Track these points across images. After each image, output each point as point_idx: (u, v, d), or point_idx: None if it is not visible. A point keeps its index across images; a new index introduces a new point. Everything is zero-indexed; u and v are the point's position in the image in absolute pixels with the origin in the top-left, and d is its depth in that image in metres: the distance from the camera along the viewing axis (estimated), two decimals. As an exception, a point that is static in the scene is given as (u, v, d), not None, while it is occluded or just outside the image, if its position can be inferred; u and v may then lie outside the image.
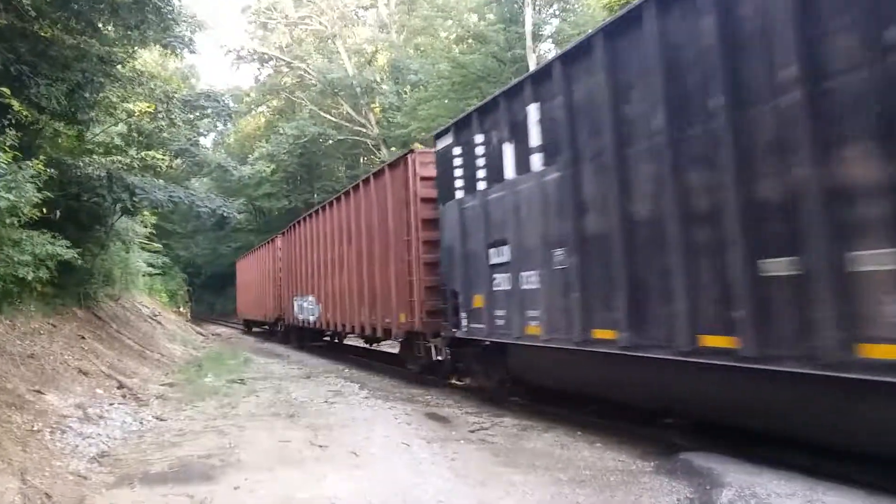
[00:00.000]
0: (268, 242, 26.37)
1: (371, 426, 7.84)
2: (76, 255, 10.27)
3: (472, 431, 7.64)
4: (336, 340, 19.70)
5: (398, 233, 11.45)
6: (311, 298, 18.05)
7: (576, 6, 27.93)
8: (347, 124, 38.76)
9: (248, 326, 32.77)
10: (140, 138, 16.40)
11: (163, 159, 16.29)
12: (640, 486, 5.40)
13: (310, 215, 18.58)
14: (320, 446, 6.87)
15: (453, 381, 11.75)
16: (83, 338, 12.20)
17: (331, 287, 15.92)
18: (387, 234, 12.03)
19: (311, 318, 18.08)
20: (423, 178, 10.85)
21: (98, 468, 6.21)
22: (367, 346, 17.15)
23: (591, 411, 8.20)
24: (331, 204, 16.27)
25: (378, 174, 12.86)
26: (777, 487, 4.98)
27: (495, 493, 5.29)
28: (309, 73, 39.76)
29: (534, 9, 26.01)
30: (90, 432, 7.38)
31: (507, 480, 5.59)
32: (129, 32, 12.14)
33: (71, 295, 13.82)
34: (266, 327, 28.66)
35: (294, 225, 20.98)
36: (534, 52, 24.86)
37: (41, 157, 8.22)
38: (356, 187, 14.13)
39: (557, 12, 28.97)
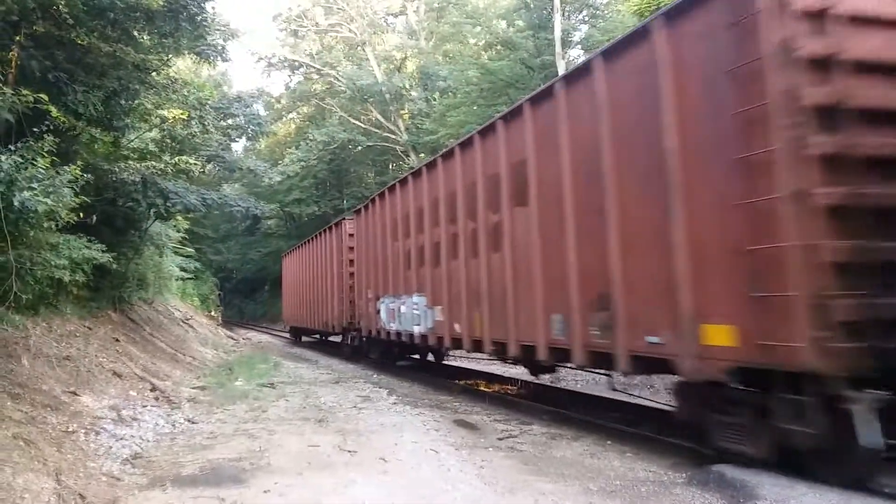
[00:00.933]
0: (327, 230, 20.60)
1: (399, 432, 7.84)
2: (111, 259, 10.46)
3: (501, 439, 7.59)
4: (429, 359, 16.02)
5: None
6: (416, 300, 12.29)
7: (605, 12, 27.76)
8: (377, 130, 38.98)
9: (297, 336, 28.24)
10: (173, 144, 16.67)
11: (196, 164, 16.52)
12: (671, 497, 5.31)
13: (415, 174, 12.63)
14: (349, 451, 6.88)
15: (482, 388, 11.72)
16: (117, 340, 12.40)
17: (464, 279, 10.11)
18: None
19: (417, 329, 12.27)
20: None
21: (131, 469, 6.29)
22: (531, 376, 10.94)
23: (620, 419, 8.11)
24: (465, 145, 10.33)
25: None
26: (811, 501, 4.87)
27: (524, 502, 5.24)
28: (338, 80, 40.08)
29: (563, 15, 25.91)
30: (123, 434, 7.49)
31: (537, 489, 5.54)
32: (163, 40, 12.33)
33: (106, 298, 14.07)
34: (318, 336, 25.24)
35: (378, 197, 15.05)
36: (563, 58, 24.75)
37: (78, 163, 8.35)
38: (556, 85, 7.89)
39: (587, 18, 28.82)
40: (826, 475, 5.13)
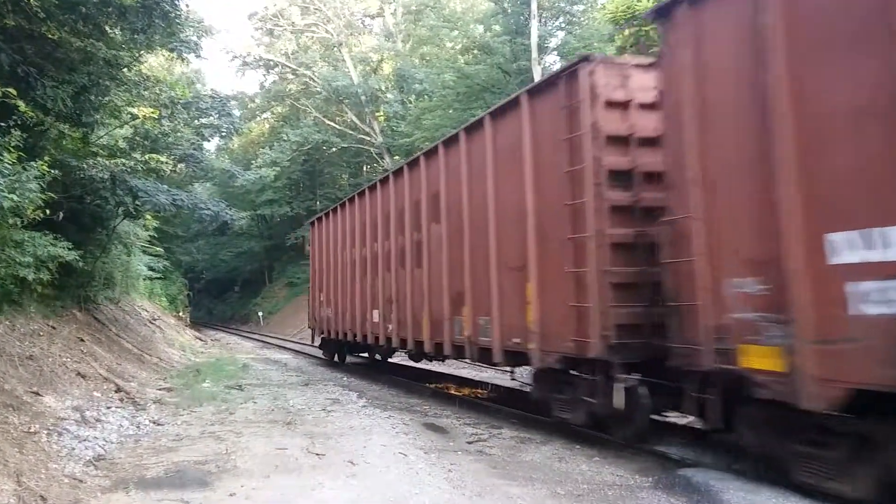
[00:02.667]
0: (475, 128, 9.22)
1: (368, 435, 7.82)
2: (77, 258, 10.28)
3: (470, 443, 7.61)
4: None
5: None
6: None
7: (582, 19, 28.03)
8: (351, 132, 38.87)
9: (336, 352, 17.80)
10: (144, 142, 16.45)
11: (167, 163, 16.30)
12: (638, 501, 5.37)
13: None
14: (317, 454, 6.84)
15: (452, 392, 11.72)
16: (82, 340, 12.18)
17: None
18: None
19: None
20: None
21: (94, 471, 6.19)
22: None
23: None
24: None
25: None
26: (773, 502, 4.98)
27: (492, 506, 5.25)
28: (314, 81, 39.92)
29: (540, 21, 26.10)
30: (87, 435, 7.36)
31: (505, 493, 5.56)
32: (135, 36, 12.18)
33: (71, 297, 13.82)
34: (367, 358, 16.57)
35: None
36: (539, 64, 24.93)
37: (45, 159, 8.24)
38: None
39: (563, 25, 29.07)
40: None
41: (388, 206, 12.45)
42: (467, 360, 10.62)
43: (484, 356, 9.06)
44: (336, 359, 17.78)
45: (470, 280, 9.16)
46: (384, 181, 12.76)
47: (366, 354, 16.48)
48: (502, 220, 8.44)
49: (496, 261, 8.51)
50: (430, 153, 10.70)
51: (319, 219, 18.55)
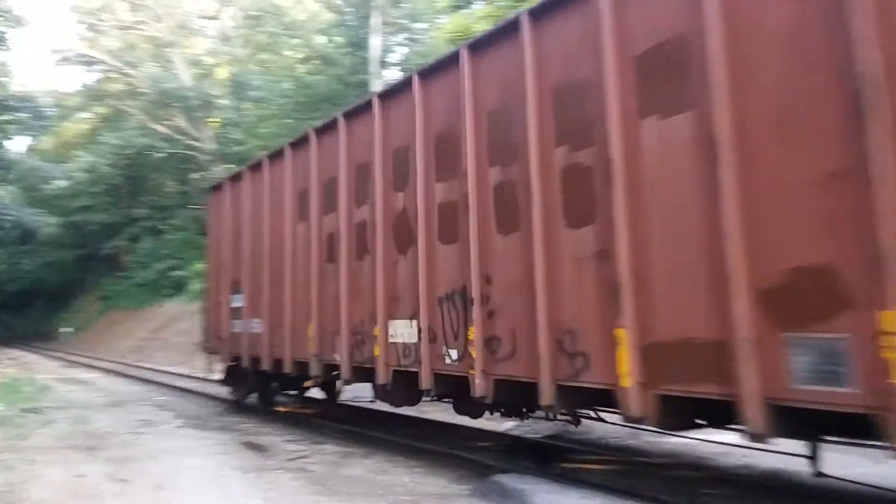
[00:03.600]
0: None
1: (181, 457, 7.40)
2: None
3: (291, 460, 7.40)
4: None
5: None
6: None
7: (422, 37, 28.69)
8: (180, 137, 36.86)
9: (258, 390, 10.81)
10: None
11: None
12: (454, 509, 5.47)
13: None
14: (122, 480, 6.36)
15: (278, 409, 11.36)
16: None
17: None
18: None
19: None
20: None
21: None
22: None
23: (411, 435, 8.25)
24: None
25: None
26: (579, 503, 5.31)
27: (308, 524, 5.12)
28: (140, 81, 37.49)
29: (382, 36, 26.42)
30: None
31: (323, 509, 5.44)
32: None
33: None
34: (298, 394, 11.21)
35: None
36: (378, 77, 25.18)
37: None
38: None
39: (405, 41, 29.60)
40: None
41: (452, 115, 6.33)
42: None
43: None
44: (259, 400, 11.00)
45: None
46: (430, 73, 6.76)
47: (294, 391, 11.18)
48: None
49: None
50: None
51: (236, 176, 11.24)
